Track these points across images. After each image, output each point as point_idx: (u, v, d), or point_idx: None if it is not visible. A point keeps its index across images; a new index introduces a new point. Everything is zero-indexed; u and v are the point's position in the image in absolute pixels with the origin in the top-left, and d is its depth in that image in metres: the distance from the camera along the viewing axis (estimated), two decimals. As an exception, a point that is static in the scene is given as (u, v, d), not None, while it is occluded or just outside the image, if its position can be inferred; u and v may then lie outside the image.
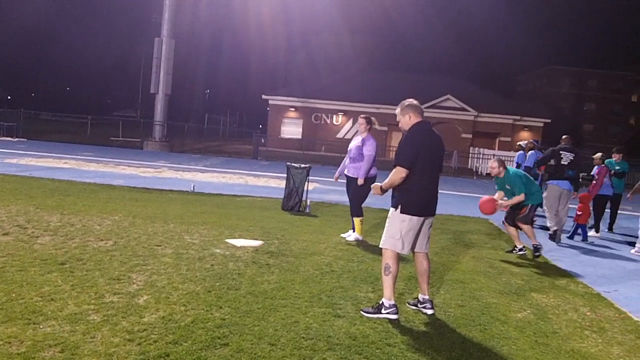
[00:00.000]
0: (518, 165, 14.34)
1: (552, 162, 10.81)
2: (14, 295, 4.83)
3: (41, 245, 6.65)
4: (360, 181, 8.62)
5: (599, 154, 12.94)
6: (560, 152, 10.78)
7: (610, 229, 13.06)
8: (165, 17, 33.45)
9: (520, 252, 8.89)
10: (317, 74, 54.05)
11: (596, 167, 12.60)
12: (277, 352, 4.14)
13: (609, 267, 8.97)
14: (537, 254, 8.78)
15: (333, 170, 23.80)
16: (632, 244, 11.04)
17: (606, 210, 12.84)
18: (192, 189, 13.75)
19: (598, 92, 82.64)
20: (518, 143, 15.17)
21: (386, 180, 5.34)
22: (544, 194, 10.73)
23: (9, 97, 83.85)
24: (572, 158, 10.74)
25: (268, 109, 50.96)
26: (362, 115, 9.09)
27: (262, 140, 39.57)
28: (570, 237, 11.48)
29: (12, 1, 78.98)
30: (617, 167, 12.81)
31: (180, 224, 8.81)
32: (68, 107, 69.00)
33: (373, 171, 8.75)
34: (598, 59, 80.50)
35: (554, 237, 10.79)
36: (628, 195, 12.25)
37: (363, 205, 8.93)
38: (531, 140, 14.43)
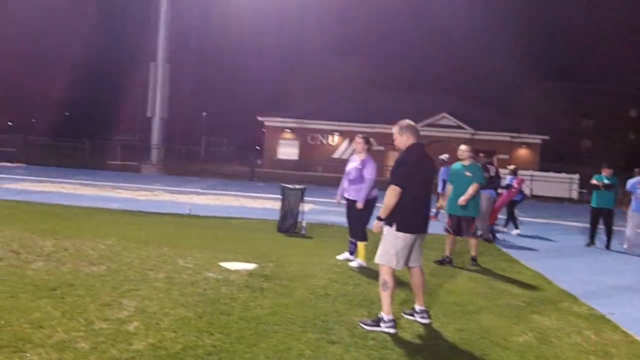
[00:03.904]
0: (444, 182, 15.33)
1: (486, 175, 11.84)
2: (2, 322, 4.74)
3: (33, 271, 6.54)
4: (359, 205, 8.34)
5: (512, 166, 15.49)
6: (487, 165, 12.31)
7: (608, 246, 12.93)
8: (160, 42, 33.56)
9: (449, 264, 9.23)
10: (312, 95, 54.12)
11: (509, 176, 14.45)
12: (269, 380, 4.03)
13: (611, 285, 8.86)
14: (474, 264, 9.27)
15: (330, 191, 23.70)
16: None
17: (600, 226, 13.17)
18: (187, 211, 13.64)
19: (596, 108, 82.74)
20: (440, 157, 15.97)
21: (382, 208, 5.48)
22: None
23: (9, 123, 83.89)
24: (496, 171, 12.70)
25: (264, 130, 51.00)
26: (359, 135, 8.80)
27: (259, 162, 39.52)
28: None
29: (10, 29, 79.37)
30: (607, 181, 12.84)
31: (174, 247, 8.69)
32: (67, 132, 68.96)
33: (374, 192, 8.50)
34: (596, 75, 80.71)
35: (491, 240, 12.31)
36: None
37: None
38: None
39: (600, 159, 19.01)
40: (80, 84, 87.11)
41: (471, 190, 9.13)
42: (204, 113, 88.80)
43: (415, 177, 5.48)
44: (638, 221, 12.61)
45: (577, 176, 35.50)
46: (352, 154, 9.25)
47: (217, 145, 66.02)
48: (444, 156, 15.99)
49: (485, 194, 12.01)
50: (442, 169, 15.87)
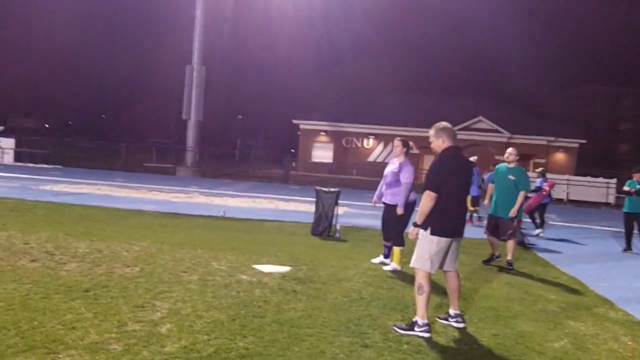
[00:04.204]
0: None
1: None
2: (36, 323, 4.77)
3: (67, 272, 6.60)
4: (399, 211, 8.20)
5: (540, 168, 15.86)
6: None
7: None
8: (195, 45, 33.89)
9: (498, 259, 9.66)
10: (347, 97, 54.02)
11: (538, 179, 14.78)
12: (302, 384, 3.99)
13: (650, 292, 8.63)
14: (510, 268, 9.22)
15: (365, 194, 23.64)
16: None
17: (635, 232, 13.05)
18: (222, 214, 13.70)
19: (634, 111, 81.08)
20: (470, 159, 16.14)
21: (418, 214, 5.44)
22: None
23: (47, 125, 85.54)
24: None
25: (299, 133, 51.09)
26: (398, 138, 8.64)
27: (293, 165, 39.61)
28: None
29: (49, 34, 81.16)
30: (638, 186, 12.63)
31: (208, 249, 8.72)
32: (104, 134, 70.15)
33: (412, 196, 8.33)
34: (633, 77, 79.32)
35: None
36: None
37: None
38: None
39: (639, 161, 18.68)
40: (116, 87, 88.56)
41: (520, 199, 9.29)
42: (239, 116, 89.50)
43: (450, 181, 5.41)
44: None
45: (614, 181, 34.86)
46: (387, 155, 9.17)
47: (251, 148, 66.46)
48: (473, 158, 16.12)
49: None
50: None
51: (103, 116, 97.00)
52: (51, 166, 30.93)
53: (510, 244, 9.38)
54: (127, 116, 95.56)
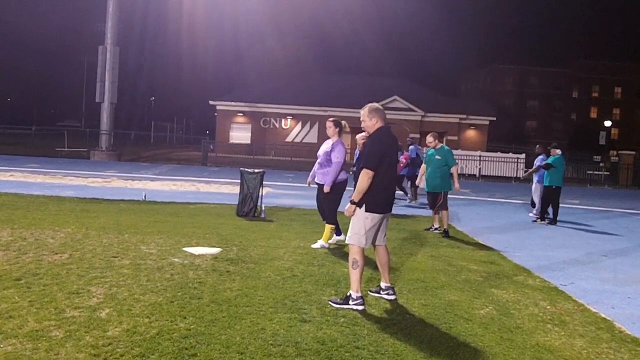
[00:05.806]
0: (412, 159, 17.02)
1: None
2: (-32, 314, 4.66)
3: (-7, 262, 6.43)
4: (326, 189, 8.30)
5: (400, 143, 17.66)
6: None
7: (554, 221, 13.47)
8: (108, 25, 32.82)
9: (437, 231, 10.90)
10: (264, 78, 53.81)
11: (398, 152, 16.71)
12: (247, 360, 4.10)
13: (561, 259, 9.20)
14: (446, 235, 10.51)
15: (285, 175, 23.68)
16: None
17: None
18: (143, 197, 13.51)
19: (540, 89, 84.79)
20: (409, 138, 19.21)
21: (355, 192, 5.57)
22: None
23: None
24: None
25: (216, 114, 50.55)
26: (330, 119, 8.68)
27: (211, 147, 39.27)
28: None
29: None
30: (549, 162, 13.55)
31: (135, 234, 8.64)
32: (10, 119, 66.94)
33: (343, 175, 8.45)
34: (539, 57, 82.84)
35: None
36: (524, 175, 13.65)
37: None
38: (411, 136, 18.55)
39: (544, 137, 19.73)
40: (21, 69, 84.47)
41: (454, 174, 10.80)
42: (152, 97, 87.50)
43: (385, 159, 5.58)
44: (541, 190, 14.09)
45: (522, 156, 36.55)
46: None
47: (166, 130, 65.23)
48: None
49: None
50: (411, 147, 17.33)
51: (8, 99, 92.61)
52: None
53: (444, 214, 10.75)
54: (34, 99, 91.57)
